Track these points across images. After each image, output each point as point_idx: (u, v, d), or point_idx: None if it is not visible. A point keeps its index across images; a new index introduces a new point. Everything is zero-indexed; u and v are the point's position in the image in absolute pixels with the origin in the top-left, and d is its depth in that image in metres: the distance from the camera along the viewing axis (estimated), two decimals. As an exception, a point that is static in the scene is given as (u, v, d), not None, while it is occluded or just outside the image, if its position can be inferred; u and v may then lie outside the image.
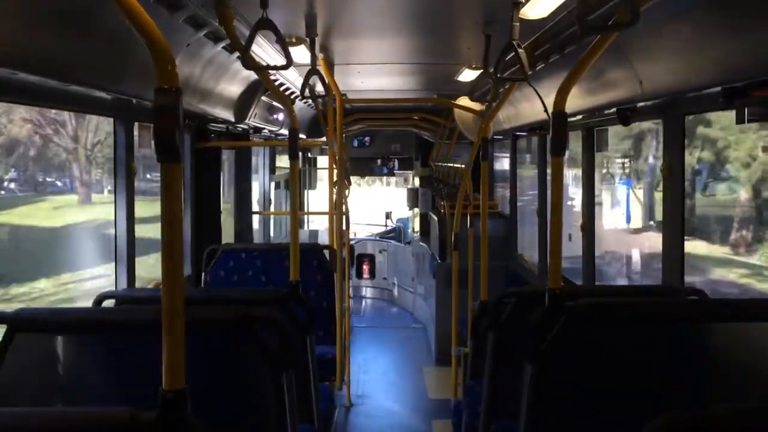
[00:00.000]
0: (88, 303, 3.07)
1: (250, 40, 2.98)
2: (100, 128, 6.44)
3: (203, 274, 4.89)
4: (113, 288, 3.74)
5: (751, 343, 2.44)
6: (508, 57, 3.41)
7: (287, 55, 3.09)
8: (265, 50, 4.39)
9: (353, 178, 10.68)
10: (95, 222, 6.50)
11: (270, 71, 4.37)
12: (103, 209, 6.66)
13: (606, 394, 2.37)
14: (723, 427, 1.25)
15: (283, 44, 3.03)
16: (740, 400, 2.30)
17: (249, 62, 3.04)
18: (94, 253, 5.93)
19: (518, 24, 3.23)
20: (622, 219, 7.32)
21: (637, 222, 7.32)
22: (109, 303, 3.10)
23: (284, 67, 3.18)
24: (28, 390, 2.34)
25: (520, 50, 3.28)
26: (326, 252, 5.07)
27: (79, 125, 6.34)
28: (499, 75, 3.62)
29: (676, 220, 3.64)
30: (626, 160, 7.38)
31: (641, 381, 2.37)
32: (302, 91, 4.41)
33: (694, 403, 2.31)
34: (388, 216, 13.66)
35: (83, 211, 7.03)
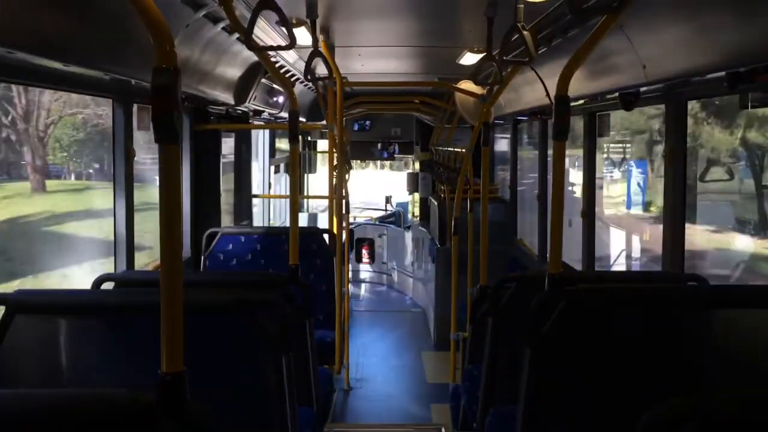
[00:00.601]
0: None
1: (253, 20, 2.94)
2: (54, 108, 5.58)
3: (202, 257, 4.88)
4: None
5: (750, 329, 2.44)
6: (513, 40, 3.37)
7: (291, 35, 3.05)
8: (265, 31, 4.35)
9: (353, 162, 10.63)
10: (46, 215, 5.57)
11: (269, 53, 4.33)
12: (60, 199, 5.87)
13: (605, 380, 2.37)
14: (726, 414, 1.24)
15: (286, 24, 2.99)
16: (740, 386, 2.31)
17: (252, 43, 3.01)
18: (42, 256, 4.99)
19: (522, 6, 3.19)
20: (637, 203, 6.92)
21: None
22: (107, 285, 3.10)
23: (287, 48, 3.15)
24: (26, 371, 2.34)
25: (525, 32, 3.24)
26: (326, 236, 5.06)
27: (30, 103, 5.26)
28: (504, 58, 3.59)
29: (677, 207, 3.63)
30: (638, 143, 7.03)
31: (640, 367, 2.37)
32: (306, 72, 4.38)
33: (693, 389, 2.32)
34: (387, 200, 13.65)
35: (32, 202, 5.68)
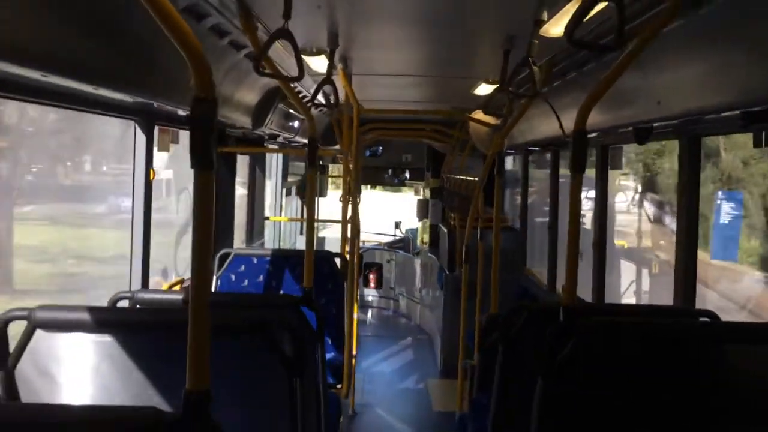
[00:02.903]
0: None
1: (266, 48, 3.02)
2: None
3: (214, 277, 4.92)
4: None
5: (762, 365, 2.45)
6: (525, 74, 3.44)
7: (300, 66, 3.11)
8: (285, 60, 4.43)
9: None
10: None
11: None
12: None
13: (616, 414, 2.38)
14: None
15: (298, 55, 3.05)
16: (752, 423, 2.31)
17: (262, 70, 3.07)
18: None
19: (537, 41, 3.26)
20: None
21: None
22: (123, 303, 3.14)
23: (296, 79, 3.20)
24: (46, 387, 2.37)
25: (534, 67, 3.31)
26: (337, 260, 5.10)
27: None
28: (512, 90, 3.65)
29: (689, 241, 3.66)
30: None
31: (651, 402, 2.37)
32: (313, 98, 4.44)
33: (706, 425, 2.32)
34: (397, 226, 13.68)
35: None
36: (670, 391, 2.38)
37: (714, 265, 4.91)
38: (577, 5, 2.84)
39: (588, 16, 2.19)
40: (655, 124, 3.69)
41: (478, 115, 6.13)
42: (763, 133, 2.91)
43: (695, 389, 2.39)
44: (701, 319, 3.18)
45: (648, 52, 2.73)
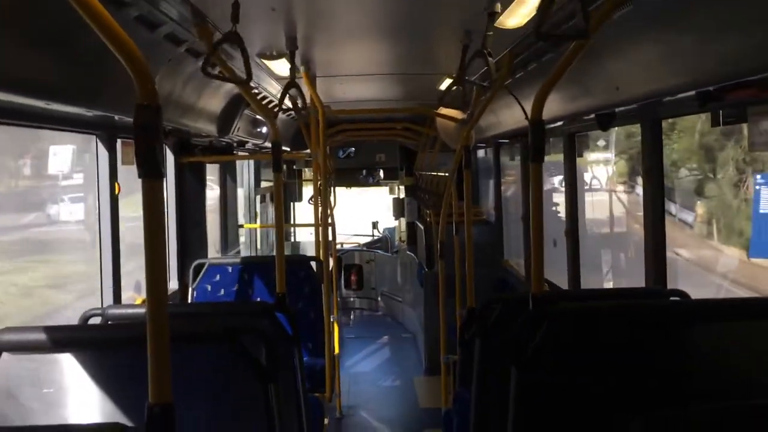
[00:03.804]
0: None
1: (212, 51, 2.99)
2: None
3: (190, 288, 4.88)
4: None
5: (732, 341, 2.48)
6: (485, 68, 3.46)
7: (248, 70, 3.09)
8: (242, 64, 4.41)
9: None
10: None
11: (251, 84, 4.39)
12: None
13: (592, 397, 2.39)
14: (701, 425, 1.28)
15: (246, 59, 3.03)
16: (724, 399, 2.34)
17: (210, 73, 3.04)
18: None
19: (491, 33, 3.27)
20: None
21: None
22: (95, 320, 3.10)
23: (245, 82, 3.17)
24: (15, 409, 2.33)
25: (490, 59, 3.32)
26: (313, 263, 5.08)
27: None
28: (468, 80, 3.67)
29: (657, 223, 3.70)
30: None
31: (626, 382, 2.39)
32: (280, 103, 4.43)
33: (680, 403, 2.35)
34: (374, 226, 13.68)
35: None
36: (646, 372, 2.40)
37: (757, 264, 4.17)
38: (530, -5, 2.86)
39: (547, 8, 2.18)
40: (617, 110, 3.73)
41: (446, 110, 6.15)
42: (720, 112, 2.95)
43: (670, 369, 2.42)
44: (671, 298, 3.22)
45: (602, 39, 2.76)
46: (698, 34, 2.57)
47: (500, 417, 2.67)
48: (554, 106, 4.04)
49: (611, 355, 2.43)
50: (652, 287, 3.70)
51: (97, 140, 3.75)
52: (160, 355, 1.52)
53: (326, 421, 5.64)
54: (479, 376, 3.35)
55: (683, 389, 2.41)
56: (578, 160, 5.19)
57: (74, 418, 2.35)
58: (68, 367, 2.41)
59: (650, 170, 3.70)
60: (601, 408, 2.38)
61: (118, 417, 2.34)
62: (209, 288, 4.90)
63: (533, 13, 3.19)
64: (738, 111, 2.93)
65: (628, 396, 2.37)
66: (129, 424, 1.62)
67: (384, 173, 11.48)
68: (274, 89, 5.88)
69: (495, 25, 3.20)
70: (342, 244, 13.25)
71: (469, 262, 4.59)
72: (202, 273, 4.87)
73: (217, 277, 4.92)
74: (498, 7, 3.04)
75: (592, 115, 4.00)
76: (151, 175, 1.47)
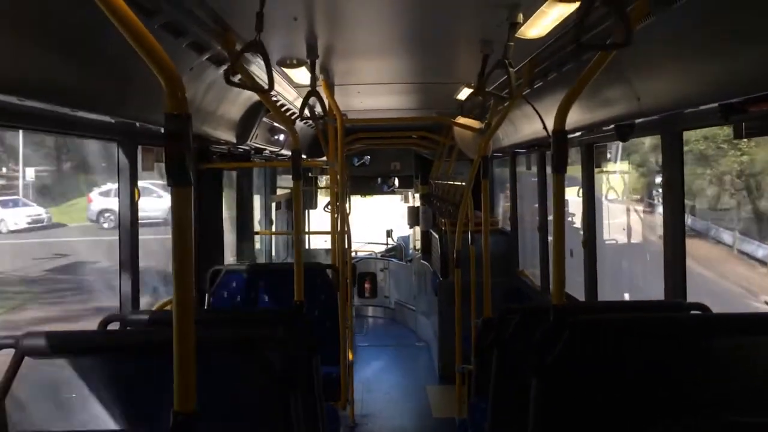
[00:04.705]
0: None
1: (236, 60, 3.01)
2: None
3: (207, 295, 4.89)
4: None
5: (753, 356, 2.45)
6: (505, 77, 3.46)
7: (270, 78, 3.11)
8: (261, 72, 4.44)
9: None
10: None
11: (272, 93, 4.42)
12: None
13: (611, 409, 2.38)
14: None
15: (269, 67, 3.04)
16: (743, 414, 2.31)
17: (232, 81, 3.07)
18: None
19: (513, 44, 3.27)
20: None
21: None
22: (114, 325, 3.11)
23: (267, 90, 3.19)
24: (37, 414, 2.35)
25: (511, 69, 3.32)
26: (329, 271, 5.08)
27: None
28: (488, 91, 3.66)
29: (677, 235, 3.67)
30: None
31: (645, 396, 2.37)
32: (301, 111, 4.45)
33: (703, 415, 2.32)
34: (389, 234, 13.67)
35: None
36: (665, 385, 2.38)
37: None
38: (552, 7, 2.86)
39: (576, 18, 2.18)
40: (637, 121, 3.71)
41: (464, 119, 6.15)
42: (743, 125, 2.92)
43: (688, 382, 2.39)
44: (692, 312, 3.19)
45: (625, 50, 2.75)
46: (723, 45, 2.56)
47: (517, 428, 2.66)
48: (573, 116, 4.02)
49: (631, 368, 2.41)
50: (672, 300, 3.66)
51: (119, 146, 3.78)
52: (185, 363, 1.53)
53: (340, 429, 5.63)
54: (496, 387, 3.34)
55: (702, 402, 2.39)
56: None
57: (94, 422, 2.36)
58: (88, 371, 2.42)
59: (670, 182, 3.67)
60: (619, 420, 2.36)
61: (136, 423, 2.35)
62: (225, 294, 4.91)
63: (555, 23, 3.19)
64: (761, 123, 2.90)
65: (647, 408, 2.35)
66: (147, 430, 1.62)
67: (399, 181, 11.47)
68: (291, 96, 5.92)
69: (516, 35, 3.20)
70: (356, 251, 13.26)
71: (486, 272, 4.58)
72: (218, 279, 4.89)
73: (234, 284, 4.93)
74: (520, 17, 3.04)
75: (611, 126, 3.98)
76: (181, 183, 1.48)
